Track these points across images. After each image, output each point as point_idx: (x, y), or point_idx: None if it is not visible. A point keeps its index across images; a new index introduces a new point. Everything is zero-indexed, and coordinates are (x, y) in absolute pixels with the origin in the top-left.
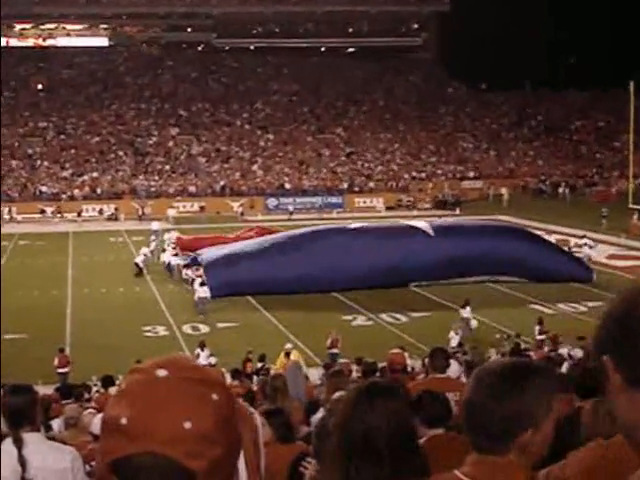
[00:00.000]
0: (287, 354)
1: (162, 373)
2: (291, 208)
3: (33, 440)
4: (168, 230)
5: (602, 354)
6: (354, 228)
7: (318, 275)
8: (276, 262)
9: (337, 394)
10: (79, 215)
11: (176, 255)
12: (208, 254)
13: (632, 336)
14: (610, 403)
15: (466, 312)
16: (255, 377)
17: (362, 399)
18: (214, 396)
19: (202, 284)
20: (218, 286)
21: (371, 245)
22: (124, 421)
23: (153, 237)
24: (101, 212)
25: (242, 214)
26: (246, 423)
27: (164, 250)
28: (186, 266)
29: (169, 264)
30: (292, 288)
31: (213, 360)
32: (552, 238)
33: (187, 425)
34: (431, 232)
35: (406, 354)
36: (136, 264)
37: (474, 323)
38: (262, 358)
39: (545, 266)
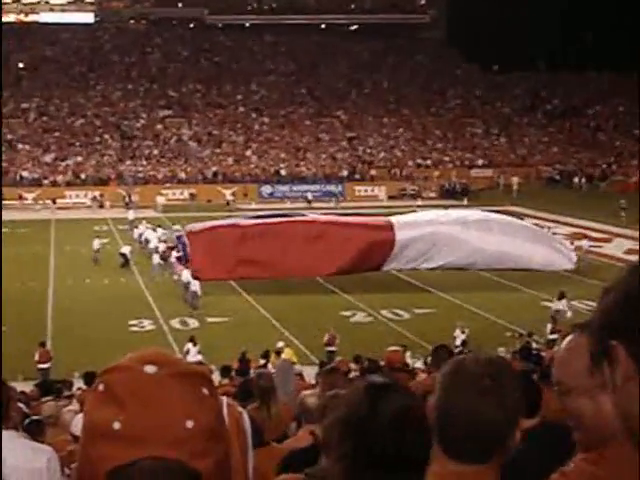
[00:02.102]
0: (278, 353)
1: (151, 370)
2: (310, 196)
3: (7, 438)
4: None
5: (609, 338)
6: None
7: None
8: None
9: (331, 392)
10: (54, 202)
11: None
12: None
13: None
14: (616, 394)
15: (562, 304)
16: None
17: (370, 397)
18: (205, 390)
19: (195, 277)
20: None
21: None
22: (117, 426)
23: (128, 227)
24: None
25: (228, 204)
26: (234, 422)
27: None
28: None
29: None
30: None
31: (201, 357)
32: (565, 230)
33: (189, 424)
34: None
35: (408, 353)
36: (122, 254)
37: (569, 314)
38: (265, 355)
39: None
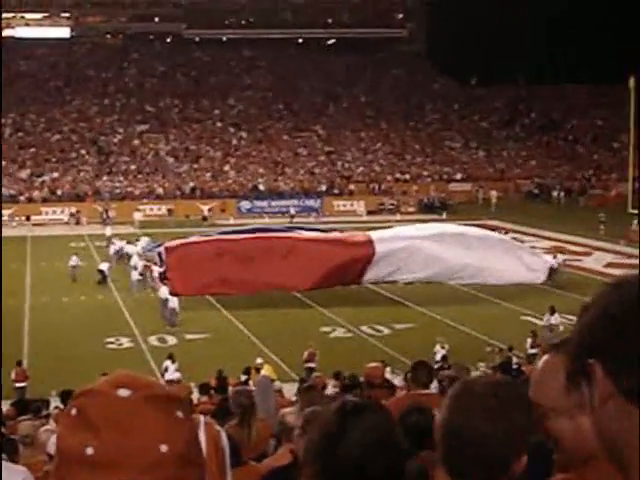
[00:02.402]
0: (257, 370)
1: (125, 393)
2: (292, 211)
3: None
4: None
5: (587, 357)
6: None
7: None
8: None
9: (309, 409)
10: (27, 219)
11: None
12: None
13: (633, 338)
14: (593, 414)
15: (554, 319)
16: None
17: (339, 419)
18: (179, 414)
19: (173, 294)
20: None
21: None
22: (90, 451)
23: (105, 243)
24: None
25: (205, 219)
26: (212, 441)
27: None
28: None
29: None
30: None
31: (179, 375)
32: (544, 244)
33: (163, 448)
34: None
35: (388, 369)
36: (100, 271)
37: (562, 329)
38: (247, 371)
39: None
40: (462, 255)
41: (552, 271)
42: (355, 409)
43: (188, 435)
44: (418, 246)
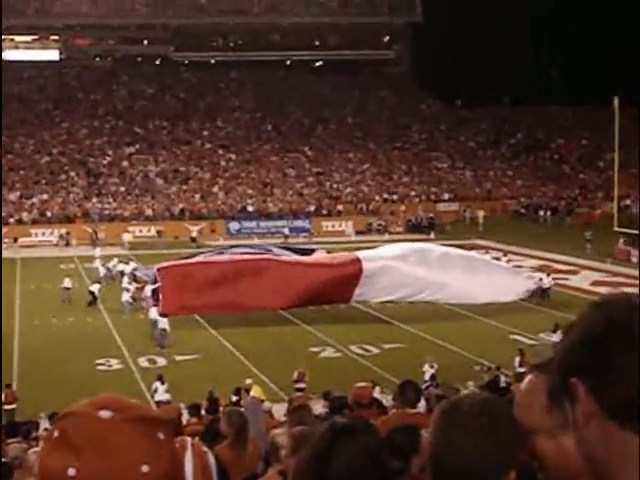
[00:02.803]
0: (246, 391)
1: (106, 415)
2: (286, 231)
3: None
4: (120, 260)
5: (570, 376)
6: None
7: None
8: None
9: (296, 429)
10: (15, 241)
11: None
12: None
13: (616, 358)
14: (576, 433)
15: (556, 336)
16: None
17: (327, 441)
18: (160, 435)
19: (163, 315)
20: None
21: None
22: (72, 472)
23: (95, 265)
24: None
25: (194, 240)
26: (199, 462)
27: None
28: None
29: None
30: None
31: (168, 396)
32: (531, 263)
33: (144, 469)
34: None
35: (377, 388)
36: (91, 292)
37: None
38: (237, 392)
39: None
40: (445, 275)
41: (543, 291)
42: (344, 430)
43: (169, 456)
44: (402, 268)
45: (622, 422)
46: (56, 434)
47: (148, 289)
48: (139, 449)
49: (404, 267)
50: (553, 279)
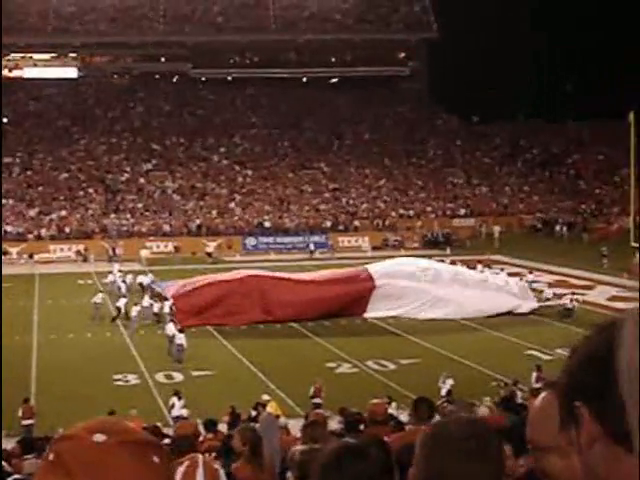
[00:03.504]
0: (263, 406)
1: (100, 438)
2: (312, 247)
3: None
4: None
5: (574, 399)
6: None
7: None
8: None
9: (300, 447)
10: (30, 257)
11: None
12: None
13: (620, 383)
14: (582, 456)
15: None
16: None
17: (331, 463)
18: (155, 459)
19: (180, 330)
20: None
21: None
22: None
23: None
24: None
25: (210, 255)
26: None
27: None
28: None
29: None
30: None
31: (185, 412)
32: (547, 278)
33: None
34: None
35: (393, 404)
36: (117, 308)
37: None
38: (256, 407)
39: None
40: (467, 294)
41: (567, 310)
42: (350, 452)
43: (163, 479)
44: (416, 285)
45: (627, 446)
46: (51, 457)
47: (167, 304)
48: (132, 472)
49: (409, 283)
50: (576, 299)
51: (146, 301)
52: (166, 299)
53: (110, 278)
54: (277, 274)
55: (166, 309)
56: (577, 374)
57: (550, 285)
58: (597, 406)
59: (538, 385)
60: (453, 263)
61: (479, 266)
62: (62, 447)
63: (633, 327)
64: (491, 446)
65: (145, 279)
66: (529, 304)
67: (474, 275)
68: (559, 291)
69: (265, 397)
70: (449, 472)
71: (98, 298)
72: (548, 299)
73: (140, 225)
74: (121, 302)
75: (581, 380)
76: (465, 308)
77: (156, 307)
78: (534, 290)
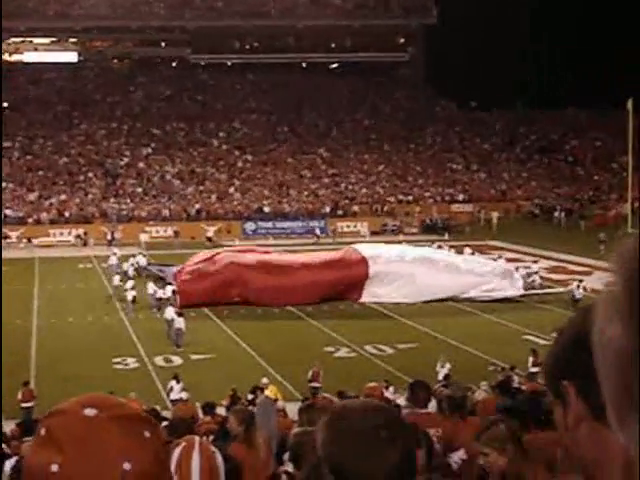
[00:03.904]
0: (262, 390)
1: (91, 412)
2: (319, 232)
3: None
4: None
5: (561, 379)
6: None
7: None
8: None
9: (297, 429)
10: (29, 241)
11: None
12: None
13: (594, 357)
14: (567, 435)
15: None
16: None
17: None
18: (146, 433)
19: (179, 314)
20: None
21: None
22: (55, 468)
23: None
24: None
25: (210, 240)
26: (206, 461)
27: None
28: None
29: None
30: None
31: (185, 395)
32: (544, 264)
33: (126, 466)
34: None
35: (391, 388)
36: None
37: None
38: (253, 390)
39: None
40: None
41: (575, 301)
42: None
43: (153, 454)
44: (411, 271)
45: (605, 422)
46: (42, 432)
47: (169, 288)
48: (121, 446)
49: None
50: (584, 287)
51: (150, 288)
52: (169, 284)
53: (110, 261)
54: (263, 257)
55: (168, 294)
56: (563, 354)
57: (547, 270)
58: (582, 384)
59: (535, 369)
60: (440, 247)
61: (467, 249)
62: (53, 422)
63: (603, 301)
64: (400, 437)
65: (142, 260)
66: (513, 290)
67: (446, 258)
68: (558, 277)
69: (264, 380)
70: (351, 463)
71: (116, 280)
72: (542, 286)
73: (140, 209)
74: (129, 284)
75: (567, 359)
76: (422, 289)
77: (160, 293)
78: (529, 276)
